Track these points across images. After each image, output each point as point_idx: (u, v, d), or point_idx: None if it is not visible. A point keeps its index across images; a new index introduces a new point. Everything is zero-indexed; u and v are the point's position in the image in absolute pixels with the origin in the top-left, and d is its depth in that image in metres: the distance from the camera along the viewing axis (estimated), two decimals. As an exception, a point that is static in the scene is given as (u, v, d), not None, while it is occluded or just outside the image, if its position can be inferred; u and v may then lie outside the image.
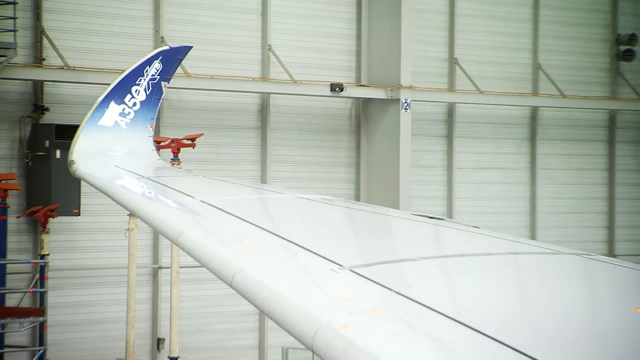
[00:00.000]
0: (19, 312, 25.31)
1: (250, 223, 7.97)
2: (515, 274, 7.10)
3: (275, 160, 31.79)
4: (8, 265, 26.05)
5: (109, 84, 12.04)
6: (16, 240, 27.17)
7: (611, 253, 36.70)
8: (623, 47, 37.70)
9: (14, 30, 27.15)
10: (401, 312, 5.59)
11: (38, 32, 28.32)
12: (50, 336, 25.52)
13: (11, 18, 27.13)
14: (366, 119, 33.10)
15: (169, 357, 26.56)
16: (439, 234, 8.57)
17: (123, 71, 12.22)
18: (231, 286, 6.55)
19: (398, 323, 5.46)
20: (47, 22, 28.38)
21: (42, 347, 25.07)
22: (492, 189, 35.68)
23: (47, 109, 28.27)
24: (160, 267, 29.68)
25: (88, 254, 28.78)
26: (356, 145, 33.15)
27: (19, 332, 26.00)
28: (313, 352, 5.42)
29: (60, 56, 28.07)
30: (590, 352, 4.99)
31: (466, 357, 4.85)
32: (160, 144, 24.53)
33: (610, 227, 38.12)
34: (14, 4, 27.26)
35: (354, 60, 33.09)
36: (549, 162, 36.73)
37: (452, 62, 34.89)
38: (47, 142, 27.69)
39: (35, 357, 25.10)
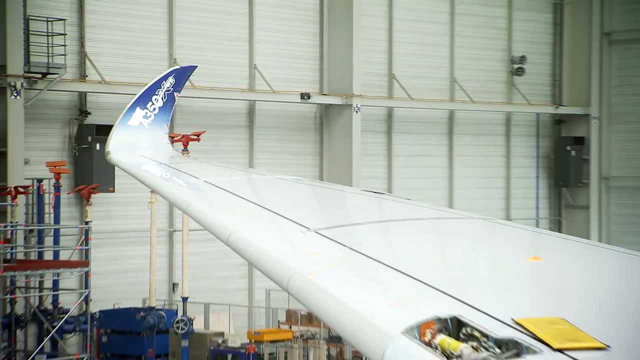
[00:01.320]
0: (69, 264, 25.24)
1: (241, 197, 7.93)
2: (438, 233, 7.10)
3: (259, 150, 31.77)
4: (61, 230, 25.99)
5: (135, 94, 11.96)
6: (67, 210, 27.11)
7: (508, 218, 36.86)
8: (516, 66, 37.88)
9: (64, 55, 27.10)
10: (354, 262, 5.58)
11: (82, 56, 28.21)
12: (93, 282, 25.46)
13: (62, 45, 27.08)
14: (327, 119, 33.10)
15: (181, 297, 26.51)
16: (382, 205, 8.55)
17: (146, 85, 12.13)
18: (227, 244, 6.52)
19: (351, 271, 5.46)
20: (89, 48, 28.28)
21: (87, 290, 25.00)
22: (421, 171, 35.77)
23: (89, 113, 28.19)
24: (174, 230, 29.65)
25: (120, 221, 28.74)
26: (320, 139, 33.15)
27: (69, 279, 25.94)
28: (288, 292, 5.42)
29: (99, 73, 27.98)
30: (492, 289, 5.00)
31: (400, 294, 4.85)
32: (174, 139, 24.44)
33: (507, 198, 38.30)
34: (64, 34, 27.19)
35: (318, 75, 33.07)
36: (462, 151, 36.85)
37: (391, 76, 34.91)
38: (89, 138, 27.62)
39: (82, 297, 25.02)
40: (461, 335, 4.07)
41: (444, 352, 3.96)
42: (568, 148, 39.00)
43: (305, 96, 31.85)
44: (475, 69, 36.97)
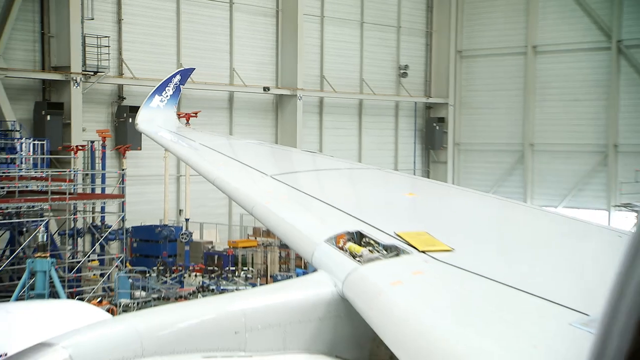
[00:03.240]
0: (112, 196, 24.91)
1: (223, 154, 7.91)
2: (351, 177, 7.15)
3: (236, 124, 31.56)
4: (106, 174, 25.67)
5: (154, 86, 11.83)
6: (110, 161, 26.79)
7: (395, 169, 37.12)
8: (402, 71, 37.97)
9: (108, 59, 26.62)
10: (296, 197, 5.61)
11: (120, 60, 27.73)
12: (127, 208, 25.22)
13: (106, 53, 26.60)
14: (281, 104, 32.95)
15: (185, 218, 26.42)
16: (315, 159, 8.58)
17: (161, 80, 12.01)
18: (214, 184, 6.52)
19: (293, 202, 5.50)
20: (125, 54, 27.81)
21: (123, 213, 24.75)
22: (341, 139, 35.81)
23: (124, 98, 27.78)
24: (180, 175, 29.42)
25: (145, 168, 28.44)
26: (276, 117, 33.01)
27: (112, 205, 25.64)
28: (253, 216, 5.44)
29: (131, 72, 27.54)
30: (383, 213, 5.06)
31: (323, 216, 4.89)
32: (180, 116, 24.19)
33: (395, 156, 38.56)
34: (108, 46, 26.74)
35: (274, 75, 32.86)
36: (367, 126, 36.96)
37: (322, 76, 34.79)
38: (125, 114, 27.24)
39: (120, 218, 24.77)
40: (362, 243, 4.13)
41: (351, 253, 4.02)
42: (434, 124, 39.34)
43: (266, 89, 31.64)
44: (376, 72, 37.00)
